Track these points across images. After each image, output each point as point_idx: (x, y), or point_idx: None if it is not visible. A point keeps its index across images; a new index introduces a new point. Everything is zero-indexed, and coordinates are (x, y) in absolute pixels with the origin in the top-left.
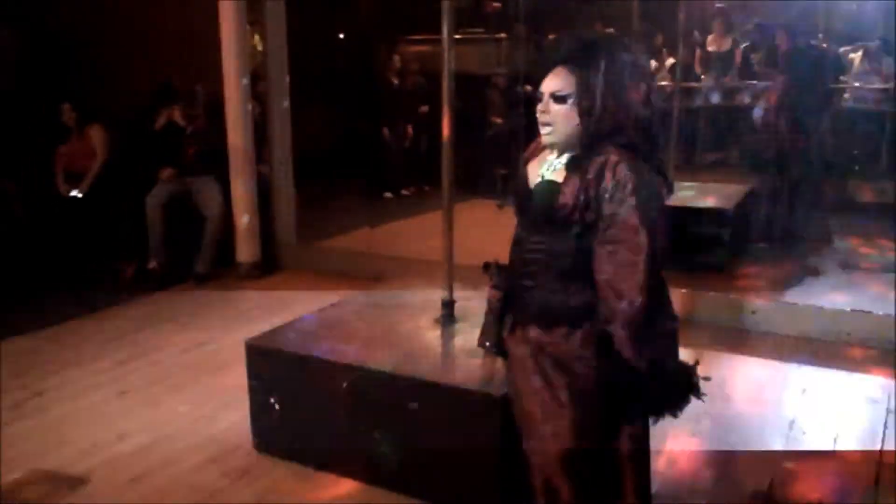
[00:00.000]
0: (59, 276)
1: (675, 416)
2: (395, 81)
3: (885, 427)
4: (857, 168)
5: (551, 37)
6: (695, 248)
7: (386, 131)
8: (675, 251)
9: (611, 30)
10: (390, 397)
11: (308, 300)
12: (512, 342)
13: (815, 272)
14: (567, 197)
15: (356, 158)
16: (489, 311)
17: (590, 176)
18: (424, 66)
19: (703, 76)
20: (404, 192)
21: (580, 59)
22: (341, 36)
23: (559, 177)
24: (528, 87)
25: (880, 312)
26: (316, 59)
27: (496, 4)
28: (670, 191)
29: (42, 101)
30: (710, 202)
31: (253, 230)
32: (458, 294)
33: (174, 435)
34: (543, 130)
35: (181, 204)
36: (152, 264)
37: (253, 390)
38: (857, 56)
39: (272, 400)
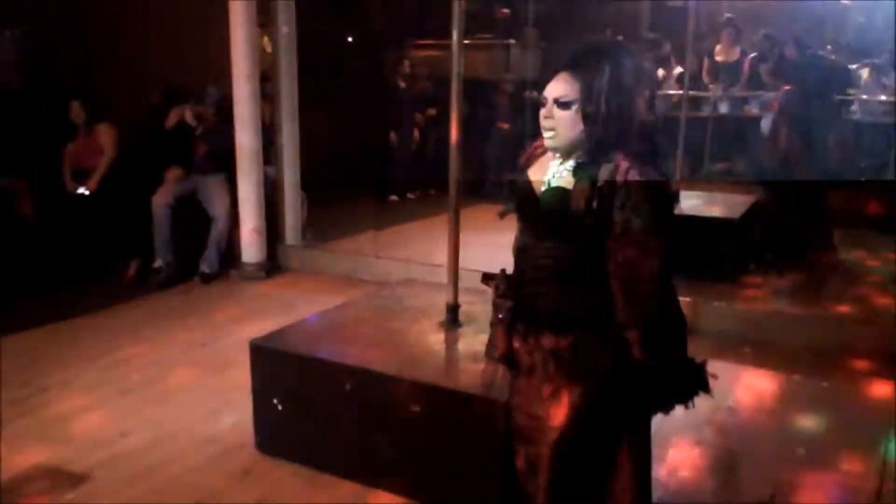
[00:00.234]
0: (65, 273)
1: (686, 407)
2: (403, 85)
3: (888, 438)
4: (863, 179)
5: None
6: (700, 258)
7: (393, 135)
8: (681, 260)
9: (620, 37)
10: (393, 400)
11: (313, 302)
12: (524, 350)
13: (821, 283)
14: (579, 203)
15: (363, 161)
16: (496, 322)
17: (600, 182)
18: (433, 70)
19: (710, 86)
20: (410, 195)
21: (584, 65)
22: (350, 39)
23: (567, 183)
24: (535, 94)
25: (885, 324)
26: (325, 61)
27: (505, 10)
28: (675, 200)
29: (51, 99)
30: (716, 212)
31: (259, 231)
32: (463, 298)
33: (177, 433)
34: (546, 135)
35: (188, 204)
36: (157, 263)
37: (256, 391)
38: (865, 71)
39: (275, 400)
